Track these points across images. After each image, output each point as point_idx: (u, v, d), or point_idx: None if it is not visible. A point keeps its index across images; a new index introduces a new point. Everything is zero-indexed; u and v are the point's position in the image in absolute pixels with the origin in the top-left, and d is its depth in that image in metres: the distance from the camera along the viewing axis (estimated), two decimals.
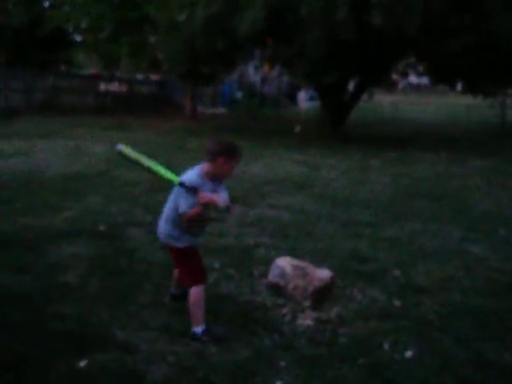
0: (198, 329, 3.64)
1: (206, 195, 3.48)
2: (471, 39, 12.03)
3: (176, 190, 3.65)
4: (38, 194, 7.52)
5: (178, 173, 3.64)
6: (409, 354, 3.54)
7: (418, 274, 4.96)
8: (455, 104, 26.05)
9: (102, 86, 26.23)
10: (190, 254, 3.76)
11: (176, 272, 4.05)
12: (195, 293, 3.65)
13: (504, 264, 5.24)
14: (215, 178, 3.66)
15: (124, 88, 26.91)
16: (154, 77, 28.89)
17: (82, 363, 3.27)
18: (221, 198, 3.50)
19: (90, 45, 24.50)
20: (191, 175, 3.62)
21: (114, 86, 26.85)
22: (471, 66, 13.33)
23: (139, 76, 29.40)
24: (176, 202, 3.63)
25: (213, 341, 3.59)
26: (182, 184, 3.52)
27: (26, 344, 3.47)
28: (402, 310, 4.20)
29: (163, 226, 3.78)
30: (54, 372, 3.18)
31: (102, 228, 6.05)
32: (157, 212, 6.61)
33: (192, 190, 3.49)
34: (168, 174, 3.57)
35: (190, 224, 3.63)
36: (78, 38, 27.00)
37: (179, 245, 3.73)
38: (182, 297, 3.93)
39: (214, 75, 21.33)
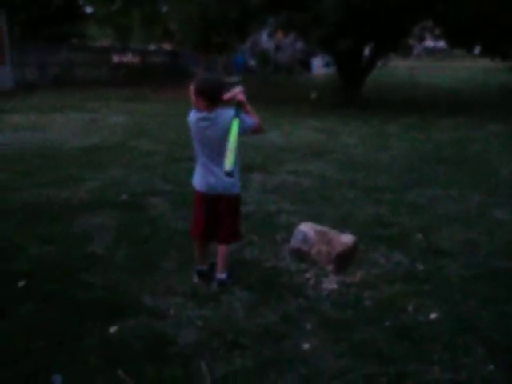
0: (225, 275, 3.93)
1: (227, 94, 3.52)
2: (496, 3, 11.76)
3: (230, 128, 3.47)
4: (59, 166, 7.59)
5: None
6: (433, 316, 3.57)
7: (440, 238, 4.96)
8: (472, 68, 25.61)
9: (116, 58, 26.11)
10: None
11: (202, 248, 4.01)
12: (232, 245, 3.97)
13: None
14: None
15: (137, 59, 26.77)
16: (166, 47, 28.74)
17: (113, 329, 3.34)
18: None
19: (101, 17, 24.36)
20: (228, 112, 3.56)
21: (128, 58, 26.72)
22: (490, 29, 13.06)
23: (152, 46, 29.25)
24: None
25: (233, 282, 3.92)
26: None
27: (56, 313, 3.55)
28: (425, 274, 4.21)
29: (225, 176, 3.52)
30: (86, 339, 3.25)
31: (124, 198, 6.11)
32: (175, 181, 6.78)
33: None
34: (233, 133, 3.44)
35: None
36: (89, 10, 26.88)
37: (237, 190, 3.78)
38: (209, 272, 4.04)
39: (226, 44, 21.16)
